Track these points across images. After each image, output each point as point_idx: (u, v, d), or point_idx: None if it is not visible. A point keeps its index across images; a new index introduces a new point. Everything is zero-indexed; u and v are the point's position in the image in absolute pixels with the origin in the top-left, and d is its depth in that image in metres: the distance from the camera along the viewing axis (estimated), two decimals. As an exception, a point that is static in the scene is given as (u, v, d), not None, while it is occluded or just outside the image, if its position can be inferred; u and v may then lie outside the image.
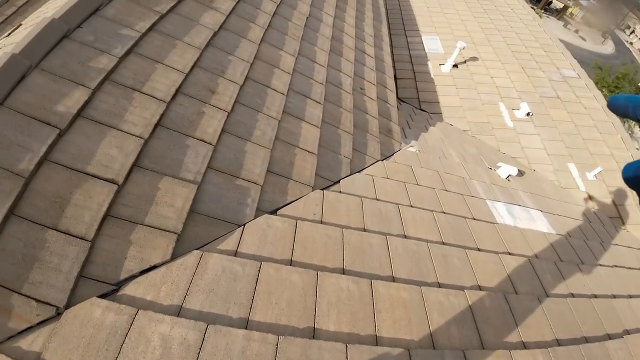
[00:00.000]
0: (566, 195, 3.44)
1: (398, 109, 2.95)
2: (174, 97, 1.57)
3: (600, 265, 2.35)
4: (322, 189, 1.75)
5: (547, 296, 1.81)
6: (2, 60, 1.26)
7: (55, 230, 1.11)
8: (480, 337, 1.43)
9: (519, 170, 2.99)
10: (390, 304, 1.36)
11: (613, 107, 0.52)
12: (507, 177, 2.90)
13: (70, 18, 1.54)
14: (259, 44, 2.18)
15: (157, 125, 1.45)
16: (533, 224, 2.44)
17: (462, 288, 1.57)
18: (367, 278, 1.41)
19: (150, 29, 1.75)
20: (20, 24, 2.67)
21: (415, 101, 4.23)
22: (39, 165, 1.17)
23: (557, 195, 3.28)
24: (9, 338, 0.94)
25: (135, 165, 1.32)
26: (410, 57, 4.90)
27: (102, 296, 1.08)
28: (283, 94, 2.02)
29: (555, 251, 2.23)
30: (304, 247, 1.44)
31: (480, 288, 1.64)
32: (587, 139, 4.16)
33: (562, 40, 5.99)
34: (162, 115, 1.48)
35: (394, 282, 1.46)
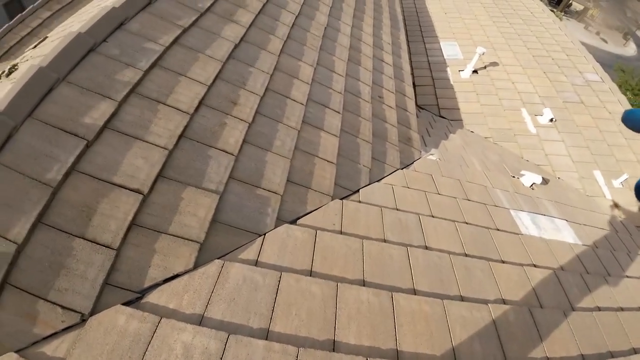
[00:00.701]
0: (592, 204, 3.34)
1: (417, 117, 2.93)
2: (197, 108, 1.61)
3: (627, 276, 2.26)
4: (342, 199, 1.75)
5: (573, 310, 1.76)
6: (30, 73, 1.31)
7: (82, 238, 1.14)
8: (504, 353, 1.39)
9: (543, 178, 2.91)
10: (411, 317, 1.34)
11: (631, 121, 0.46)
12: (531, 185, 2.83)
13: (96, 32, 1.59)
14: (279, 55, 2.21)
15: (181, 136, 1.48)
16: (558, 234, 2.37)
17: (485, 302, 1.54)
18: (388, 290, 1.39)
19: (174, 42, 1.79)
20: (47, 37, 2.78)
21: (435, 108, 4.19)
22: (66, 175, 1.21)
23: (583, 204, 3.18)
24: (34, 343, 0.96)
25: (160, 175, 1.35)
26: (429, 63, 4.87)
27: (126, 304, 1.10)
28: (302, 104, 2.03)
29: (582, 263, 2.16)
30: (324, 258, 1.43)
31: (504, 302, 1.60)
32: (613, 145, 4.04)
33: (583, 43, 5.85)
34: (185, 127, 1.51)
35: (415, 294, 1.44)
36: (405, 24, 4.54)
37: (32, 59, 2.06)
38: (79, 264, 1.09)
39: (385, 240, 1.63)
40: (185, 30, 1.89)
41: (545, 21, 6.09)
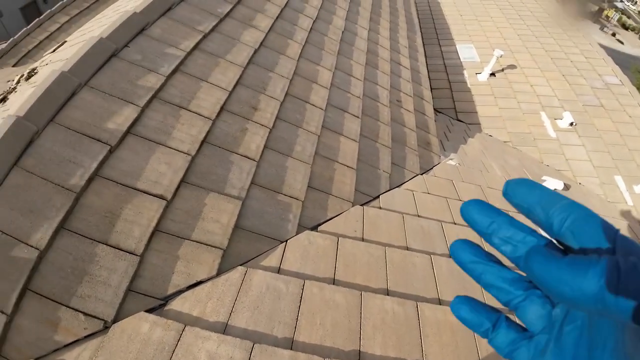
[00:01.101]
0: (614, 211, 3.25)
1: (435, 120, 2.89)
2: (218, 114, 1.60)
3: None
4: (362, 205, 1.72)
5: None
6: (51, 78, 1.32)
7: (105, 244, 1.13)
8: (533, 365, 1.34)
9: (564, 184, 2.85)
10: (437, 327, 1.30)
11: (521, 194, 0.28)
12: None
13: (117, 37, 1.60)
14: (297, 60, 2.20)
15: (203, 142, 1.48)
16: (581, 241, 2.30)
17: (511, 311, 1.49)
18: (413, 300, 1.36)
19: (195, 47, 1.79)
20: (65, 41, 2.81)
21: (452, 111, 4.14)
22: (89, 180, 1.21)
23: (605, 211, 3.10)
24: (55, 351, 0.96)
25: (182, 181, 1.34)
26: (445, 66, 4.83)
27: (149, 311, 1.09)
28: (322, 108, 2.01)
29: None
30: (346, 266, 1.41)
31: (531, 311, 1.55)
32: (634, 149, 3.95)
33: (599, 44, 5.75)
34: (207, 132, 1.51)
35: (440, 304, 1.40)
36: (420, 27, 4.51)
37: (52, 63, 2.08)
38: (102, 271, 1.09)
39: (407, 248, 1.60)
40: (205, 36, 1.89)
41: (563, 23, 6.00)
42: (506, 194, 0.30)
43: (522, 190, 0.28)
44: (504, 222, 0.29)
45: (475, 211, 0.30)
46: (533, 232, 0.28)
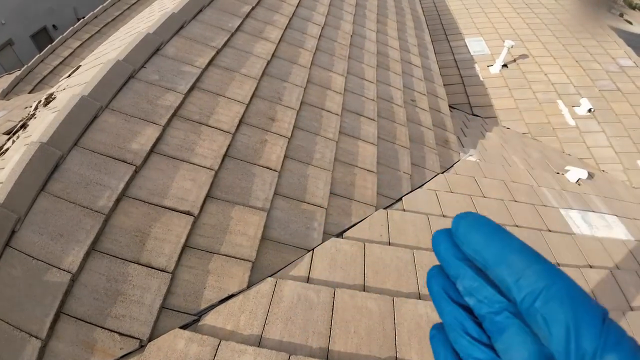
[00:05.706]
0: (641, 196, 3.16)
1: (451, 117, 2.85)
2: (237, 127, 1.62)
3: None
4: (386, 208, 1.71)
5: (631, 310, 1.67)
6: (72, 102, 1.34)
7: (137, 263, 1.15)
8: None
9: (588, 172, 2.77)
10: (473, 329, 1.28)
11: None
12: (577, 181, 2.70)
13: (133, 59, 1.63)
14: (310, 68, 2.20)
15: (225, 156, 1.49)
16: (610, 231, 2.24)
17: (547, 308, 1.46)
18: (446, 302, 1.34)
19: (210, 64, 1.82)
20: (80, 65, 2.87)
21: (467, 106, 4.09)
22: (117, 201, 1.23)
23: (631, 197, 3.01)
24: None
25: (208, 196, 1.35)
26: (456, 61, 4.77)
27: (184, 327, 1.10)
28: (337, 114, 2.01)
29: (636, 260, 2.04)
30: (376, 272, 1.40)
31: (566, 307, 1.52)
32: (655, 132, 3.84)
33: (609, 26, 5.62)
34: (228, 147, 1.52)
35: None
36: (427, 24, 4.48)
37: (70, 87, 2.13)
38: (135, 290, 1.10)
39: (435, 249, 1.58)
40: (219, 51, 1.91)
41: (571, 8, 5.89)
42: (456, 236, 0.24)
43: (477, 238, 0.23)
44: (468, 272, 0.24)
45: (443, 248, 0.26)
46: (500, 292, 0.23)
